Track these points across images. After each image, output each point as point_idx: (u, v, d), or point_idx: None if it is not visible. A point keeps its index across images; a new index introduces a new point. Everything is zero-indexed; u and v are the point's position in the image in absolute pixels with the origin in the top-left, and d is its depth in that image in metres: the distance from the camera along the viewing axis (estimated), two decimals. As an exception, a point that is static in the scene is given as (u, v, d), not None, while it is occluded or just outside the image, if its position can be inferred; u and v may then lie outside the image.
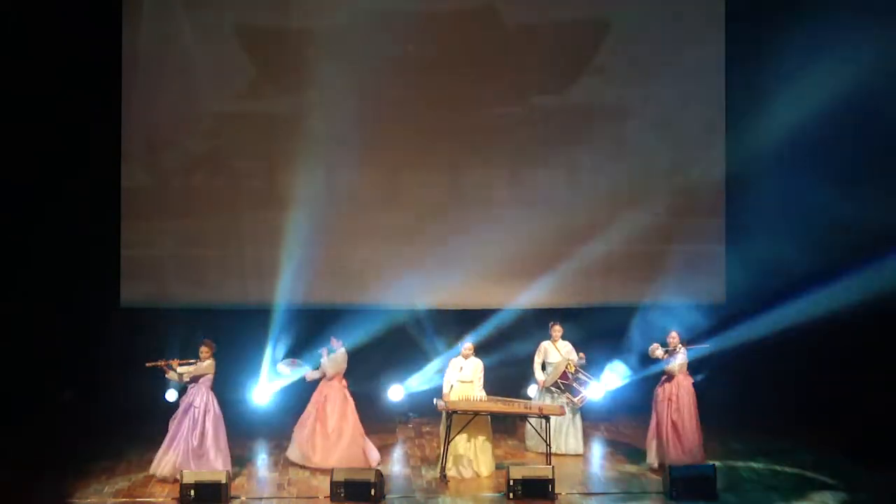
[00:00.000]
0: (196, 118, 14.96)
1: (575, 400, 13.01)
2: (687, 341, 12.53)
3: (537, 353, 13.31)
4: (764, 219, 15.09)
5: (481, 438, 12.30)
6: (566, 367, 13.02)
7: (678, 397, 12.34)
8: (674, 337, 12.45)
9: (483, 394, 12.33)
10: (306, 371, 12.77)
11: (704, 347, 12.73)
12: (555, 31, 15.10)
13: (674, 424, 12.31)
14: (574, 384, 13.02)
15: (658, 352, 12.43)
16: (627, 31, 15.15)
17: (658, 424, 12.42)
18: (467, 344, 12.54)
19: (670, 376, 12.40)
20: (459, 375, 12.39)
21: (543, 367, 13.26)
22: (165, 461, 11.89)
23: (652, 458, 12.47)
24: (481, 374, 12.48)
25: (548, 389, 13.14)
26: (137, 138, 14.88)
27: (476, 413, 12.17)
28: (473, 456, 12.25)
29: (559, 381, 13.05)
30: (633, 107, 15.25)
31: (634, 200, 15.27)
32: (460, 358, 12.50)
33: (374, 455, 12.63)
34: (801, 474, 12.39)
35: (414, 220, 15.14)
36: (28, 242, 14.44)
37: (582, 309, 15.02)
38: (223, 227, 15.00)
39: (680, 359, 12.39)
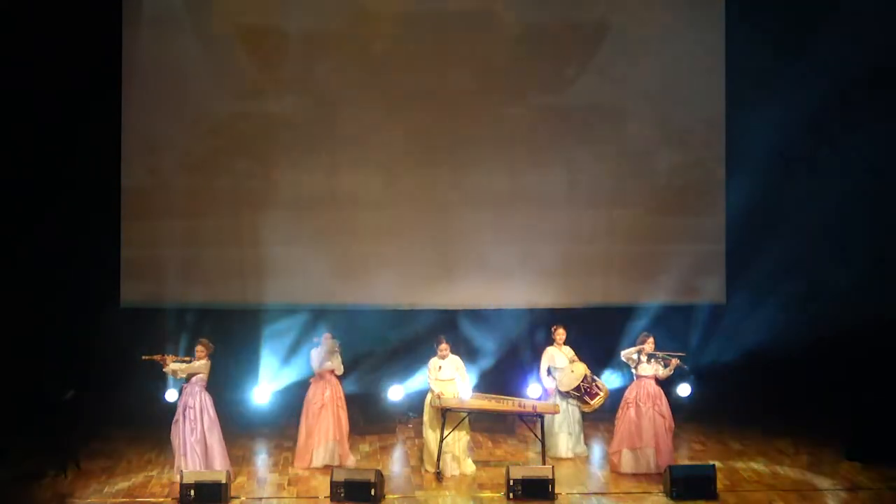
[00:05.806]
0: (196, 118, 14.92)
1: (592, 403, 12.96)
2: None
3: (543, 358, 13.14)
4: (764, 218, 15.09)
5: (464, 438, 12.32)
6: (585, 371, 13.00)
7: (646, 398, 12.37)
8: (650, 342, 12.44)
9: (467, 391, 12.32)
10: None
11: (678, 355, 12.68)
12: (555, 31, 15.09)
13: (636, 423, 12.30)
14: (588, 389, 12.96)
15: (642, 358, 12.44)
16: (627, 31, 15.13)
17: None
18: (442, 344, 12.49)
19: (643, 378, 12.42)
20: (439, 375, 12.36)
21: (549, 373, 13.15)
22: (183, 465, 11.83)
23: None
24: (464, 371, 12.47)
25: (560, 393, 13.04)
26: (137, 138, 14.85)
27: (470, 411, 12.19)
28: (458, 454, 12.26)
29: (578, 384, 12.98)
30: (633, 107, 15.23)
31: (635, 200, 15.27)
32: (437, 358, 12.47)
33: None
34: (801, 474, 12.39)
35: (414, 220, 15.12)
36: (28, 242, 14.42)
37: (582, 309, 15.00)
38: (223, 227, 14.97)
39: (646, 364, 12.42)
